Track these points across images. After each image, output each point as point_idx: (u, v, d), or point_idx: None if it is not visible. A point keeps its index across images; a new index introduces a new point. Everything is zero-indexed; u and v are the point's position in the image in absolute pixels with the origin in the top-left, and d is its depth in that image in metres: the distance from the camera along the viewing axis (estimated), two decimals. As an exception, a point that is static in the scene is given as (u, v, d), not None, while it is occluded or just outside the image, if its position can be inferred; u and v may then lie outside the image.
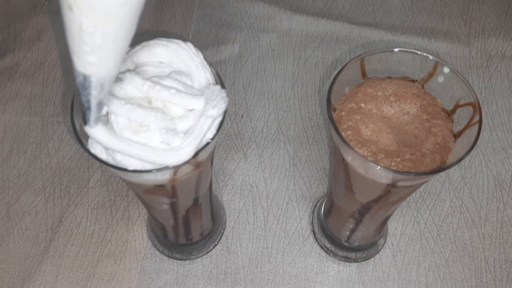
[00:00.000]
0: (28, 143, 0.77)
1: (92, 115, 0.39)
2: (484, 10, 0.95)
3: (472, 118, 0.49)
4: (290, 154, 0.76)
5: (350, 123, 0.50)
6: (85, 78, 0.37)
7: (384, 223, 0.64)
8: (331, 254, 0.68)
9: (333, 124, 0.49)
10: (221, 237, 0.69)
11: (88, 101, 0.38)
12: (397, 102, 0.52)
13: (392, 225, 0.70)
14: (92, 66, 0.36)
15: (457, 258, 0.68)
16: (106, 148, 0.43)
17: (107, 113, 0.43)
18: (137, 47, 0.48)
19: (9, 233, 0.69)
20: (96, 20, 0.33)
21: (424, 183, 0.56)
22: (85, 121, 0.40)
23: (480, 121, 0.48)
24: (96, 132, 0.41)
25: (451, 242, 0.69)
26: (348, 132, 0.49)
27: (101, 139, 0.41)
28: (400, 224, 0.70)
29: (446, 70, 0.51)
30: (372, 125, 0.50)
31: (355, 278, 0.66)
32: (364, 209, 0.58)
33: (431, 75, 0.52)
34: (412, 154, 0.48)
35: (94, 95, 0.38)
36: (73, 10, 0.32)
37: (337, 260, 0.68)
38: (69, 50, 0.36)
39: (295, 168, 0.75)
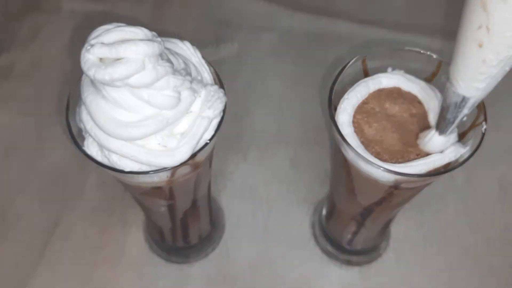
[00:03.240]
0: (23, 144, 0.76)
1: (452, 127, 0.45)
2: (487, 9, 0.94)
3: (476, 119, 0.49)
4: (290, 156, 0.76)
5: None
6: (464, 99, 0.42)
7: (386, 226, 0.64)
8: (333, 258, 0.68)
9: (335, 124, 0.48)
10: (220, 241, 0.69)
11: (455, 117, 0.44)
12: (401, 99, 0.51)
13: (395, 228, 0.70)
14: (476, 91, 0.41)
15: (461, 262, 0.67)
16: None
17: None
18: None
19: (3, 237, 0.68)
20: (502, 55, 0.37)
21: (427, 185, 0.55)
22: (442, 131, 0.46)
23: (485, 122, 0.48)
24: (444, 142, 0.47)
25: (455, 246, 0.68)
26: (351, 132, 0.49)
27: (441, 147, 0.47)
28: (403, 227, 0.70)
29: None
30: (375, 124, 0.50)
31: (357, 282, 0.66)
32: (366, 212, 0.58)
33: (434, 74, 0.52)
34: (417, 155, 0.48)
35: (465, 113, 0.43)
36: (483, 47, 0.37)
37: (338, 264, 0.67)
38: (452, 74, 0.41)
39: (295, 170, 0.75)
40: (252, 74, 0.84)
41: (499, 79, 0.40)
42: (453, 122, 0.45)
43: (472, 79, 0.40)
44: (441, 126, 0.46)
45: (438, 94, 0.51)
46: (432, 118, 0.50)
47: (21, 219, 0.69)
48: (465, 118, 0.45)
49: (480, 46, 0.37)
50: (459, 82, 0.41)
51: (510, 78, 0.87)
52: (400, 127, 0.49)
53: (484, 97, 0.42)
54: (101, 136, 0.43)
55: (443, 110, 0.45)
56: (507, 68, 0.39)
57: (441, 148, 0.47)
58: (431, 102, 0.51)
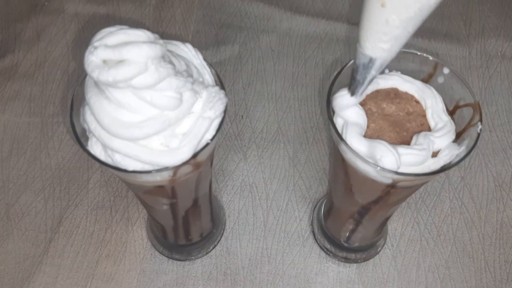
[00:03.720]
0: (28, 143, 0.77)
1: (362, 89, 0.46)
2: (484, 11, 0.95)
3: (472, 119, 0.49)
4: (290, 154, 0.76)
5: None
6: (371, 60, 0.43)
7: (384, 224, 0.64)
8: (331, 255, 0.68)
9: (333, 124, 0.49)
10: (220, 238, 0.69)
11: (364, 78, 0.45)
12: (398, 99, 0.52)
13: (392, 226, 0.70)
14: (382, 52, 0.41)
15: (457, 259, 0.68)
16: None
17: None
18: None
19: (8, 234, 0.69)
20: (404, 15, 0.38)
21: (424, 183, 0.56)
22: (353, 92, 0.47)
23: (480, 122, 0.48)
24: (355, 102, 0.48)
25: (451, 243, 0.69)
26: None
27: (351, 106, 0.48)
28: (400, 225, 0.70)
29: (446, 70, 0.51)
30: (373, 124, 0.50)
31: (355, 279, 0.66)
32: (364, 210, 0.58)
33: (431, 75, 0.52)
34: None
35: (373, 74, 0.44)
36: (386, 6, 0.37)
37: (336, 261, 0.68)
38: (360, 36, 0.42)
39: (295, 169, 0.75)
40: (252, 75, 0.85)
41: (404, 40, 0.41)
42: (362, 83, 0.45)
43: (377, 40, 0.40)
44: (352, 87, 0.47)
45: (436, 93, 0.51)
46: (431, 115, 0.50)
47: (26, 216, 0.70)
48: (373, 80, 0.45)
49: (383, 6, 0.37)
50: (365, 43, 0.41)
51: (505, 78, 0.89)
52: (397, 126, 0.50)
53: (391, 58, 0.43)
54: (105, 136, 0.43)
55: (353, 71, 0.46)
56: (410, 30, 0.39)
57: (348, 106, 0.48)
58: (428, 100, 0.51)
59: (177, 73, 0.43)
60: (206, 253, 0.68)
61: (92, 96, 0.43)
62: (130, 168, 0.44)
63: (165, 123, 0.43)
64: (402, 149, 0.46)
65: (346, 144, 0.47)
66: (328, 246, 0.68)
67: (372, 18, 0.39)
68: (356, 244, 0.67)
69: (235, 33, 0.90)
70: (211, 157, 0.53)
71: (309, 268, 0.67)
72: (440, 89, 0.52)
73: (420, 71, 0.53)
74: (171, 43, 0.48)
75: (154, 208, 0.58)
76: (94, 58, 0.40)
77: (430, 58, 0.52)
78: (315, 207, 0.72)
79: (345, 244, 0.67)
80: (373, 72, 0.44)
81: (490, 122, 0.80)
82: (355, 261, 0.67)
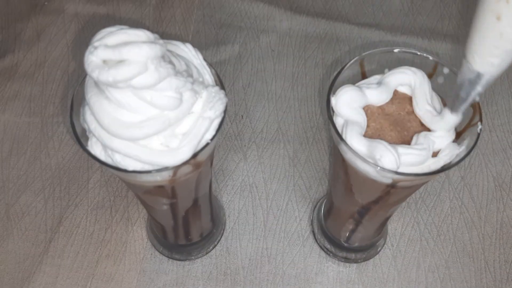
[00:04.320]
0: (28, 143, 0.77)
1: (464, 106, 0.45)
2: (484, 10, 0.94)
3: (472, 119, 0.49)
4: (290, 154, 0.76)
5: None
6: (479, 76, 0.41)
7: (384, 224, 0.64)
8: (331, 254, 0.68)
9: (333, 124, 0.49)
10: (220, 238, 0.69)
11: (468, 95, 0.43)
12: (398, 99, 0.51)
13: (392, 226, 0.70)
14: (491, 67, 0.40)
15: (457, 258, 0.68)
16: None
17: None
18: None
19: (8, 234, 0.69)
20: None
21: (424, 183, 0.56)
22: (455, 109, 0.46)
23: (480, 122, 0.48)
24: (456, 120, 0.47)
25: (451, 242, 0.69)
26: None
27: (452, 124, 0.47)
28: (400, 224, 0.70)
29: (446, 70, 0.51)
30: (373, 124, 0.50)
31: (355, 278, 0.66)
32: (364, 210, 0.58)
33: (430, 75, 0.52)
34: None
35: (478, 90, 0.42)
36: (501, 19, 0.36)
37: (336, 261, 0.68)
38: (468, 50, 0.40)
39: (295, 169, 0.75)
40: (252, 75, 0.85)
41: None
42: (465, 100, 0.44)
43: (488, 54, 0.39)
44: (454, 104, 0.46)
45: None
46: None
47: (26, 216, 0.70)
48: (477, 98, 0.44)
49: (498, 18, 0.36)
50: (474, 58, 0.40)
51: (505, 78, 0.89)
52: (398, 125, 0.50)
53: (498, 75, 0.42)
54: (105, 136, 0.43)
55: (457, 88, 0.44)
56: None
57: (452, 126, 0.47)
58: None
59: (177, 73, 0.43)
60: (206, 253, 0.68)
61: (92, 96, 0.43)
62: (130, 168, 0.44)
63: (165, 123, 0.43)
64: (402, 149, 0.46)
65: (346, 144, 0.47)
66: (328, 246, 0.68)
67: (485, 31, 0.38)
68: (356, 244, 0.67)
69: (235, 33, 0.90)
70: (211, 157, 0.53)
71: (309, 268, 0.67)
72: (440, 89, 0.52)
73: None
74: (171, 43, 0.48)
75: (154, 208, 0.58)
76: (94, 58, 0.40)
77: (430, 58, 0.52)
78: (315, 207, 0.72)
79: (345, 244, 0.67)
80: (479, 88, 0.42)
81: (490, 122, 0.80)
82: (355, 261, 0.67)
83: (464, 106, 0.45)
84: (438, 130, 0.48)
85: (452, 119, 0.47)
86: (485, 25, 0.38)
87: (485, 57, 0.40)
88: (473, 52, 0.40)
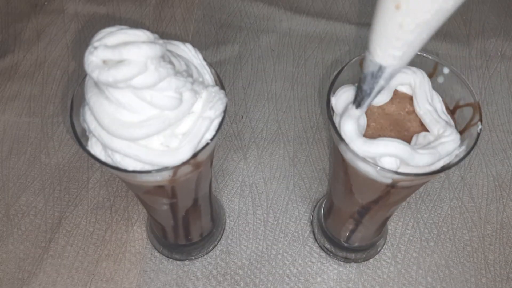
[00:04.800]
0: (28, 143, 0.77)
1: (369, 100, 0.44)
2: (484, 10, 0.95)
3: (472, 119, 0.49)
4: (289, 154, 0.76)
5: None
6: (380, 69, 0.40)
7: (384, 223, 0.64)
8: (331, 254, 0.68)
9: (333, 124, 0.48)
10: (220, 238, 0.69)
11: (371, 88, 0.42)
12: (397, 99, 0.51)
13: (392, 226, 0.70)
14: (393, 60, 0.39)
15: (457, 258, 0.68)
16: None
17: None
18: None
19: (8, 234, 0.69)
20: (419, 19, 0.35)
21: (424, 183, 0.56)
22: (359, 104, 0.44)
23: (480, 122, 0.48)
24: (359, 114, 0.45)
25: (451, 242, 0.69)
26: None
27: (352, 125, 0.45)
28: (400, 224, 0.70)
29: (446, 70, 0.51)
30: (373, 123, 0.50)
31: (355, 278, 0.66)
32: (364, 210, 0.58)
33: (431, 75, 0.52)
34: None
35: (381, 84, 0.41)
36: (401, 8, 0.34)
37: (336, 261, 0.68)
38: (370, 42, 0.39)
39: (294, 169, 0.75)
40: (252, 75, 0.85)
41: (416, 48, 0.38)
42: (369, 94, 0.43)
43: (389, 46, 0.38)
44: (358, 99, 0.44)
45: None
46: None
47: (26, 216, 0.70)
48: (380, 93, 0.43)
49: (397, 7, 0.35)
50: (376, 50, 0.39)
51: (505, 78, 0.89)
52: (398, 125, 0.50)
53: (401, 67, 0.40)
54: (105, 136, 0.43)
55: (360, 81, 0.43)
56: (425, 36, 0.36)
57: (354, 120, 0.45)
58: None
59: (177, 73, 0.43)
60: (206, 253, 0.68)
61: (92, 96, 0.43)
62: (130, 168, 0.44)
63: (165, 123, 0.43)
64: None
65: (346, 144, 0.47)
66: (328, 246, 0.68)
67: (385, 21, 0.36)
68: (356, 244, 0.67)
69: (235, 33, 0.90)
70: (211, 157, 0.53)
71: (309, 268, 0.67)
72: (440, 89, 0.52)
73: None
74: (171, 43, 0.48)
75: (154, 208, 0.58)
76: (94, 58, 0.40)
77: (430, 58, 0.52)
78: (315, 207, 0.72)
79: (345, 244, 0.67)
80: (381, 82, 0.41)
81: (490, 122, 0.80)
82: (355, 261, 0.68)
83: (369, 101, 0.44)
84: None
85: (356, 113, 0.45)
86: (384, 15, 0.36)
87: (387, 49, 0.38)
88: (375, 44, 0.39)
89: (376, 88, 0.42)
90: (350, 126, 0.46)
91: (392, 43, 0.37)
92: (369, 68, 0.41)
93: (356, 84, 0.52)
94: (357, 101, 0.45)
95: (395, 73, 0.40)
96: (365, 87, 0.42)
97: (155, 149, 0.43)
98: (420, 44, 0.37)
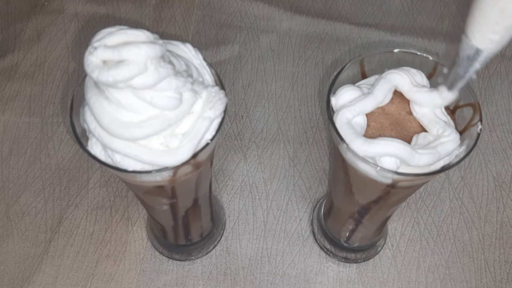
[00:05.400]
0: (28, 143, 0.77)
1: (462, 83, 0.45)
2: (484, 10, 0.94)
3: (472, 119, 0.49)
4: (289, 154, 0.76)
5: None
6: (478, 52, 0.41)
7: (383, 224, 0.64)
8: (331, 255, 0.68)
9: (333, 124, 0.48)
10: (220, 238, 0.69)
11: (466, 72, 0.43)
12: (398, 99, 0.51)
13: (392, 226, 0.70)
14: (490, 43, 0.40)
15: (457, 258, 0.68)
16: None
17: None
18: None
19: (8, 234, 0.69)
20: None
21: (424, 183, 0.56)
22: (451, 87, 0.46)
23: (480, 122, 0.48)
24: (451, 98, 0.47)
25: (451, 242, 0.69)
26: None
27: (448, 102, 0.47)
28: (400, 224, 0.70)
29: (445, 71, 0.51)
30: (373, 123, 0.50)
31: (355, 279, 0.66)
32: (364, 210, 0.58)
33: (430, 75, 0.52)
34: None
35: (476, 67, 0.42)
36: None
37: (336, 261, 0.68)
38: (468, 26, 0.40)
39: (294, 169, 0.75)
40: (252, 75, 0.85)
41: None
42: (463, 77, 0.44)
43: (488, 30, 0.39)
44: (450, 81, 0.46)
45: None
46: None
47: (26, 216, 0.70)
48: (474, 76, 0.44)
49: None
50: (474, 34, 0.40)
51: (505, 78, 0.89)
52: (398, 125, 0.50)
53: (497, 52, 0.41)
54: (105, 136, 0.43)
55: (454, 65, 0.44)
56: None
57: (447, 103, 0.48)
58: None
59: (177, 73, 0.43)
60: (206, 253, 0.68)
61: (92, 96, 0.43)
62: (130, 168, 0.44)
63: (165, 123, 0.43)
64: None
65: (346, 144, 0.47)
66: (328, 246, 0.68)
67: (487, 6, 0.38)
68: (356, 244, 0.67)
69: (235, 33, 0.90)
70: (211, 157, 0.53)
71: (309, 268, 0.67)
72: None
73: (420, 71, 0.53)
74: (171, 43, 0.48)
75: (154, 208, 0.58)
76: (94, 58, 0.40)
77: (430, 58, 0.52)
78: (315, 207, 0.72)
79: (345, 244, 0.67)
80: (477, 65, 0.42)
81: (490, 122, 0.80)
82: (355, 261, 0.68)
83: (461, 83, 0.45)
84: (433, 107, 0.48)
85: (448, 96, 0.47)
86: (487, 1, 0.38)
87: (485, 33, 0.39)
88: (473, 27, 0.40)
89: (471, 71, 0.43)
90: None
91: (491, 27, 0.38)
92: (466, 51, 0.42)
93: (357, 84, 0.52)
94: (450, 83, 0.46)
95: (489, 57, 0.41)
96: (460, 70, 0.43)
97: (155, 149, 0.43)
98: None
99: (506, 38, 0.39)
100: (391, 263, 0.67)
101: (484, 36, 0.40)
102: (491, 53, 0.41)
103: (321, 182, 0.74)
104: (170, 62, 0.43)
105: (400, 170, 0.46)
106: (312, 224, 0.71)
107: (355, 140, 0.46)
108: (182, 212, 0.59)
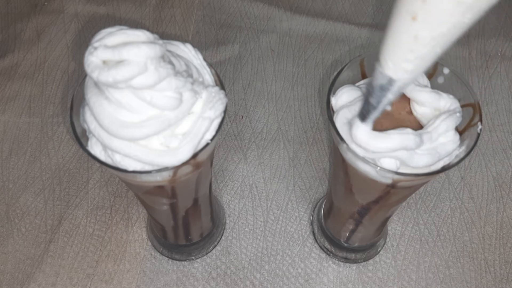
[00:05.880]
0: (28, 143, 0.77)
1: (375, 114, 0.42)
2: (484, 10, 0.94)
3: (472, 119, 0.49)
4: (290, 154, 0.76)
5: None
6: (390, 82, 0.38)
7: (384, 224, 0.64)
8: (331, 255, 0.68)
9: (333, 124, 0.48)
10: (220, 238, 0.69)
11: (379, 102, 0.40)
12: (397, 99, 0.51)
13: (392, 226, 0.70)
14: (404, 73, 0.37)
15: (457, 259, 0.68)
16: None
17: None
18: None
19: (8, 234, 0.69)
20: (436, 31, 0.33)
21: (424, 184, 0.56)
22: (364, 118, 0.42)
23: (480, 122, 0.48)
24: (366, 129, 0.43)
25: (451, 243, 0.69)
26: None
27: (362, 138, 0.43)
28: (400, 224, 0.70)
29: (446, 71, 0.51)
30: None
31: (355, 279, 0.66)
32: (364, 210, 0.58)
33: (431, 76, 0.52)
34: None
35: (389, 98, 0.39)
36: (417, 20, 0.33)
37: (336, 261, 0.68)
38: (381, 53, 0.37)
39: (294, 169, 0.75)
40: (252, 75, 0.85)
41: (428, 63, 0.37)
42: (376, 108, 0.41)
43: (401, 58, 0.36)
44: (363, 112, 0.42)
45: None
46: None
47: (26, 216, 0.70)
48: (388, 108, 0.41)
49: (414, 19, 0.33)
50: (387, 62, 0.37)
51: (505, 78, 0.89)
52: (398, 125, 0.49)
53: (411, 82, 0.39)
54: (105, 136, 0.43)
55: (367, 94, 0.41)
56: (438, 50, 0.35)
57: (362, 137, 0.44)
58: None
59: (177, 73, 0.43)
60: (206, 253, 0.68)
61: (92, 96, 0.43)
62: (130, 168, 0.44)
63: (165, 123, 0.43)
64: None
65: (346, 144, 0.47)
66: (328, 246, 0.68)
67: (399, 32, 0.35)
68: (356, 244, 0.67)
69: (235, 33, 0.90)
70: (211, 157, 0.53)
71: (309, 268, 0.67)
72: (440, 90, 0.52)
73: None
74: (171, 43, 0.48)
75: (154, 208, 0.58)
76: (94, 58, 0.40)
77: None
78: (315, 207, 0.72)
79: (345, 244, 0.67)
80: (389, 95, 0.39)
81: (490, 122, 0.80)
82: (355, 261, 0.68)
83: (375, 114, 0.42)
84: (434, 107, 0.46)
85: (361, 128, 0.43)
86: (400, 26, 0.35)
87: (398, 62, 0.37)
88: (387, 55, 0.37)
89: (384, 102, 0.40)
90: (365, 130, 0.44)
91: (405, 55, 0.36)
92: (378, 81, 0.39)
93: (357, 84, 0.53)
94: (363, 115, 0.43)
95: (404, 87, 0.39)
96: (373, 100, 0.41)
97: (155, 149, 0.43)
98: (432, 58, 0.36)
99: (419, 68, 0.37)
100: (391, 263, 0.67)
101: (397, 65, 0.37)
102: (405, 84, 0.38)
103: (321, 182, 0.74)
104: (170, 62, 0.43)
105: (400, 170, 0.46)
106: (312, 224, 0.71)
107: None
108: (182, 212, 0.59)
